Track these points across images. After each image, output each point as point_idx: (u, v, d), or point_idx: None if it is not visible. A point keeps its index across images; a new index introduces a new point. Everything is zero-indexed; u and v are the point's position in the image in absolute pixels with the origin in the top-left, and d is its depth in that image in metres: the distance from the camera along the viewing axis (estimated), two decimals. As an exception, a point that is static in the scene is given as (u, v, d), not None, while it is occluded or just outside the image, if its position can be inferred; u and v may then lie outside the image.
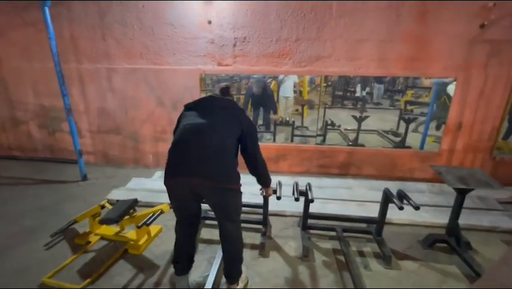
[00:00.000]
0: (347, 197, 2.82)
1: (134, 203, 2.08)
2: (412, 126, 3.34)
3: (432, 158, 3.32)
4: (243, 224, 2.36)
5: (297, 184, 2.07)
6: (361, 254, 2.07)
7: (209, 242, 2.18)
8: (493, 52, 2.85)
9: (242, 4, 2.99)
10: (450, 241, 2.07)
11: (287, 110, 3.43)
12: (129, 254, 2.02)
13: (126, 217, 1.96)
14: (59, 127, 3.78)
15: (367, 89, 3.27)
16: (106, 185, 3.16)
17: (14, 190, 3.05)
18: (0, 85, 3.71)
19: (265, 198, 2.16)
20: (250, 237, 2.24)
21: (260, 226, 2.32)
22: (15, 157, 3.87)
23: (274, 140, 3.56)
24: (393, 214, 2.30)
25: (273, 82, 3.31)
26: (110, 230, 2.19)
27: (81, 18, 3.28)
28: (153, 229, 2.22)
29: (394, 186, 3.12)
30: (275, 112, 3.49)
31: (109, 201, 2.30)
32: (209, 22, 3.09)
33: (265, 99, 3.43)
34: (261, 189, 1.88)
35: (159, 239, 2.20)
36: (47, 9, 2.67)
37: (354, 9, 2.87)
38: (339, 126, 3.35)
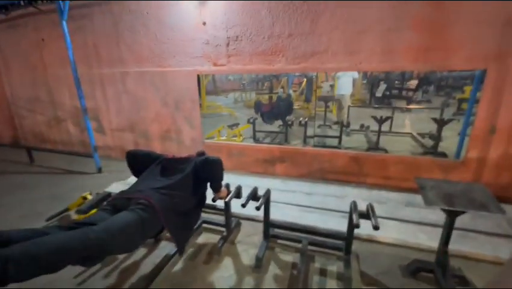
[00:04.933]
0: (334, 207, 2.52)
1: (106, 197, 2.24)
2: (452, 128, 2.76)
3: (456, 169, 2.74)
4: (204, 225, 2.33)
5: (255, 189, 1.95)
6: (323, 272, 1.83)
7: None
8: (539, 35, 2.20)
9: (233, 3, 2.95)
10: (437, 271, 1.67)
11: (341, 110, 3.16)
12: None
13: (94, 210, 2.13)
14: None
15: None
16: (116, 177, 3.48)
17: (45, 178, 3.61)
18: (46, 89, 4.43)
19: (225, 202, 2.09)
20: (213, 239, 2.20)
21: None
22: (57, 150, 4.56)
23: (286, 140, 3.40)
24: (380, 230, 1.97)
25: (304, 81, 3.13)
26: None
27: (100, 28, 3.68)
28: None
29: (401, 199, 2.72)
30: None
31: (90, 193, 2.53)
32: (204, 23, 3.13)
33: (281, 111, 3.31)
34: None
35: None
36: (64, 23, 3.08)
37: (351, -4, 2.56)
38: (367, 127, 2.97)
